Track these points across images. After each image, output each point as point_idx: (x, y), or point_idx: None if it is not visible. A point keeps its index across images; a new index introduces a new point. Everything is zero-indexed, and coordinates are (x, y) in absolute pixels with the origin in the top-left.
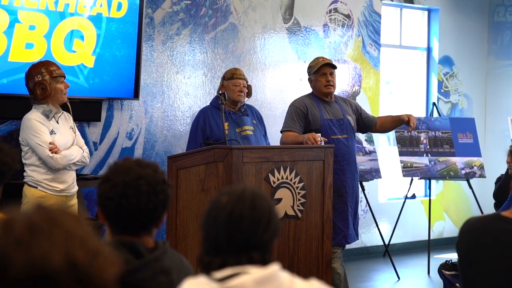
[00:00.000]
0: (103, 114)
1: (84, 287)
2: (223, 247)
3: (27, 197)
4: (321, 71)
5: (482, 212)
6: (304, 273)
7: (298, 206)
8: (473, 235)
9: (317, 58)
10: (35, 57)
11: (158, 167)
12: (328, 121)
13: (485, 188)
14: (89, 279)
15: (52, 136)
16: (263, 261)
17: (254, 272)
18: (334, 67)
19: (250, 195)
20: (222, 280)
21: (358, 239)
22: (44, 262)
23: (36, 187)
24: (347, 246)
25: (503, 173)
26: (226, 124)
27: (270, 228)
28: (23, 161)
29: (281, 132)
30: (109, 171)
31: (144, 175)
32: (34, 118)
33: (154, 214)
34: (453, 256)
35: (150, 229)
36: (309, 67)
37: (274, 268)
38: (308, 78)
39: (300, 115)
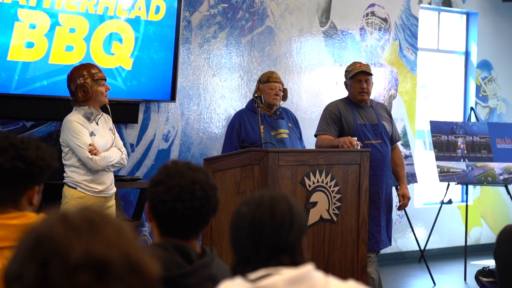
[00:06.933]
0: (140, 116)
1: (137, 277)
2: (250, 257)
3: (67, 198)
4: (357, 77)
5: None
6: (339, 278)
7: (333, 210)
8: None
9: (354, 63)
10: (74, 59)
11: (207, 172)
12: (362, 126)
13: None
14: (141, 271)
15: (92, 137)
16: (294, 263)
17: (286, 273)
18: (370, 74)
19: (268, 200)
20: (255, 280)
21: (390, 245)
22: (104, 251)
23: (76, 188)
24: (382, 251)
25: None
26: (261, 127)
27: (294, 228)
28: (63, 162)
29: (315, 136)
30: (162, 174)
31: (198, 180)
32: (75, 120)
33: (206, 219)
34: (490, 263)
35: (198, 233)
36: (346, 71)
37: (308, 268)
38: (344, 82)
39: (334, 119)
